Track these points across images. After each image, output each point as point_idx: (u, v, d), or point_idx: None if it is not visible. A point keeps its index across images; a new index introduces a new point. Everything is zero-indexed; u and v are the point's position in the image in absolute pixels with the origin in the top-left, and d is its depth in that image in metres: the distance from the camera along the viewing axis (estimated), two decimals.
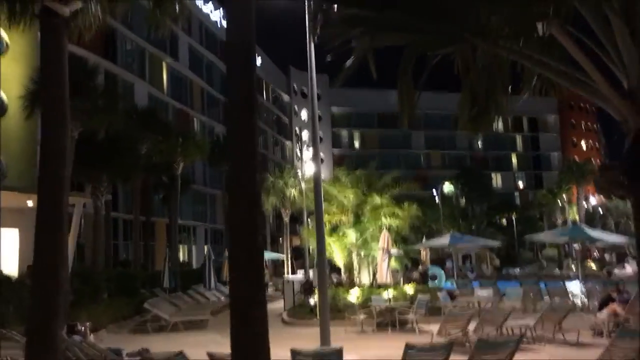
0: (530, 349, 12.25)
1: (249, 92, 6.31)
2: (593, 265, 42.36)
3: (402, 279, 23.31)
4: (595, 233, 22.85)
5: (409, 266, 39.90)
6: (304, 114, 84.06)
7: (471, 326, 12.70)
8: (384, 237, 17.61)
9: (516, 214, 71.70)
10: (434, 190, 57.99)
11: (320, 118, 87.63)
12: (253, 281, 5.97)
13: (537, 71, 5.40)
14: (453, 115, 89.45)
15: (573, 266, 43.64)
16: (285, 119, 77.82)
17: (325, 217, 21.08)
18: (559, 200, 60.16)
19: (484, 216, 68.80)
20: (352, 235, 20.00)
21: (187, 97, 49.10)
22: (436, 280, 27.16)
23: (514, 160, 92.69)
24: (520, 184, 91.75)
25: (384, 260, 17.42)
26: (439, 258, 49.38)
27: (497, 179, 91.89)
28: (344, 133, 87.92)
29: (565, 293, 18.78)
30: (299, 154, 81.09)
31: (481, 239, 34.13)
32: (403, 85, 5.51)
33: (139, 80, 40.97)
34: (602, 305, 14.24)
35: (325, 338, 12.48)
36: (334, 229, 20.70)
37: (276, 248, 51.96)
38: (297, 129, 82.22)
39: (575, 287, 18.82)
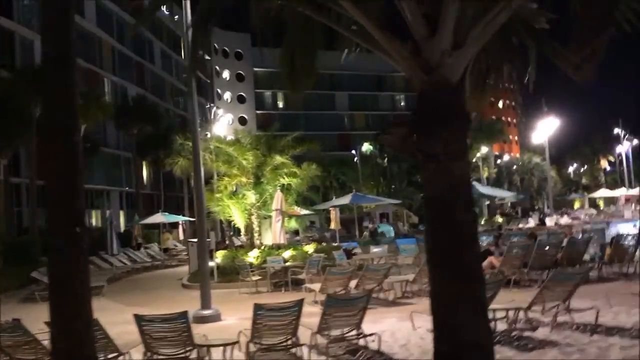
0: (409, 303, 12.63)
1: (65, 47, 5.90)
2: (500, 219, 44.33)
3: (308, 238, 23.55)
4: (485, 189, 23.76)
5: (314, 226, 40.58)
6: (226, 74, 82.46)
7: (353, 283, 12.96)
8: (278, 198, 17.59)
9: None
10: (353, 150, 58.60)
11: (242, 78, 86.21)
12: (71, 246, 5.71)
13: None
14: (376, 77, 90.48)
15: (482, 221, 45.57)
16: (205, 79, 75.86)
17: (226, 180, 20.89)
18: (474, 158, 62.17)
19: (405, 175, 70.28)
20: (251, 196, 19.88)
21: (95, 56, 46.84)
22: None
23: None
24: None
25: (277, 221, 17.44)
26: (358, 217, 50.36)
27: None
28: (268, 94, 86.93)
29: None
30: (221, 114, 79.87)
31: (383, 198, 34.96)
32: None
33: (39, 38, 38.60)
34: (482, 259, 14.84)
35: (205, 301, 12.42)
36: (235, 191, 20.51)
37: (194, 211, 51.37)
38: (218, 90, 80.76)
39: None
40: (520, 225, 40.51)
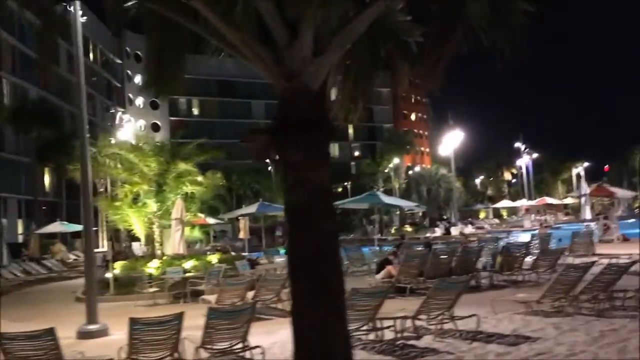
0: None
1: None
2: (409, 229, 45.52)
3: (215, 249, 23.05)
4: (389, 199, 24.29)
5: (226, 235, 40.01)
6: (138, 79, 80.00)
7: (251, 294, 12.72)
8: (178, 207, 17.09)
9: (351, 182, 74.88)
10: (267, 160, 58.29)
11: None
12: None
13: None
14: None
15: (393, 230, 46.63)
16: (116, 83, 73.35)
17: (126, 187, 20.10)
18: (387, 169, 63.59)
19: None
20: (152, 205, 19.22)
21: None
22: None
23: (350, 130, 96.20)
24: (357, 154, 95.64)
25: (177, 230, 16.93)
26: (270, 226, 50.11)
27: (334, 149, 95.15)
28: (182, 101, 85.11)
29: (362, 257, 19.78)
30: (133, 120, 77.29)
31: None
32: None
33: None
34: (380, 267, 15.05)
35: (92, 315, 11.78)
36: (135, 199, 19.77)
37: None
38: (130, 94, 78.22)
39: (371, 252, 19.89)
40: (428, 235, 41.79)
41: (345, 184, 78.81)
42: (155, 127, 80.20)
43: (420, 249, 18.51)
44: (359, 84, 6.06)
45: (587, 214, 25.36)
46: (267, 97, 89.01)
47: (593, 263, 11.27)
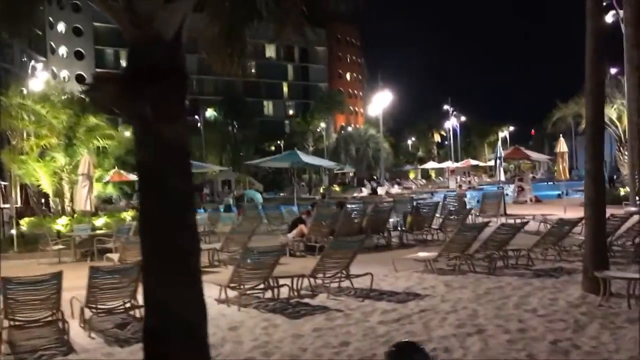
0: (214, 271, 12.38)
1: None
2: (337, 188, 45.95)
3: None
4: (308, 158, 24.32)
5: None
6: (61, 27, 75.93)
7: None
8: (85, 162, 16.39)
9: (284, 141, 74.47)
10: (196, 116, 56.95)
11: (80, 32, 79.91)
12: None
13: None
14: None
15: (321, 189, 46.90)
16: (37, 31, 69.11)
17: (33, 140, 19.14)
18: (318, 128, 63.49)
19: (252, 143, 70.13)
20: (61, 159, 18.40)
21: None
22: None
23: (285, 89, 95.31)
24: (291, 112, 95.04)
25: (84, 186, 16.28)
26: (199, 184, 49.38)
27: (269, 107, 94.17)
28: (110, 51, 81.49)
29: (280, 216, 19.77)
30: (55, 70, 73.54)
31: (209, 164, 34.52)
32: None
33: None
34: (293, 226, 15.04)
35: None
36: (43, 153, 18.86)
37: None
38: (52, 43, 74.13)
39: (286, 211, 19.90)
40: (355, 194, 42.32)
41: (279, 142, 78.48)
42: (80, 79, 76.62)
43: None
44: (231, 36, 5.81)
45: (502, 176, 26.17)
46: (201, 51, 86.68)
47: (487, 223, 11.61)
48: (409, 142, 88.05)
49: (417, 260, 11.06)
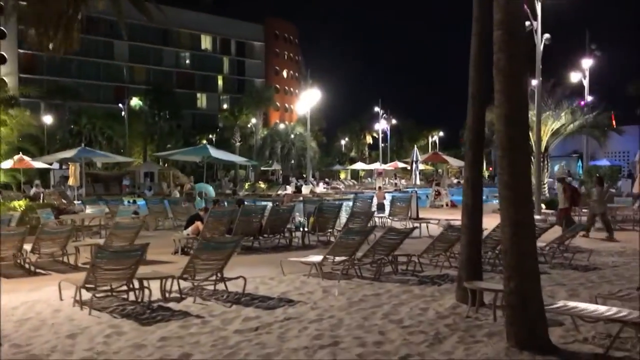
0: None
1: None
2: (262, 185, 45.33)
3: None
4: (219, 153, 23.67)
5: (63, 181, 37.34)
6: None
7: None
8: None
9: (217, 135, 73.00)
10: (120, 104, 54.85)
11: (1, 10, 76.09)
12: None
13: None
14: (162, 30, 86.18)
15: (246, 186, 46.18)
16: None
17: None
18: (250, 124, 62.57)
19: (181, 135, 68.43)
20: None
21: None
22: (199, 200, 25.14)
23: (220, 82, 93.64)
24: (225, 106, 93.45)
25: None
26: (119, 175, 47.61)
27: (202, 100, 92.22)
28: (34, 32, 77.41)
29: (165, 211, 19.19)
30: None
31: (116, 155, 33.27)
32: None
33: None
34: (189, 223, 14.38)
35: None
36: None
37: None
38: None
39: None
40: (279, 192, 41.84)
41: (210, 136, 76.93)
42: (0, 59, 72.45)
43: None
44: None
45: (417, 179, 26.37)
46: (133, 38, 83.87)
47: (373, 228, 11.38)
48: (342, 142, 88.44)
49: (305, 263, 10.65)
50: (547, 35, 21.24)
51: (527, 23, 21.26)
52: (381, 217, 19.25)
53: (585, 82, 31.18)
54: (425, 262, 11.15)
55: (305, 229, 15.12)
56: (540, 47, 21.12)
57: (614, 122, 54.50)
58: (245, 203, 16.69)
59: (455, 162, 34.68)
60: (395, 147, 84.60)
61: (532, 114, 22.91)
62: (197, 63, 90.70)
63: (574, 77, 31.67)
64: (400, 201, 19.42)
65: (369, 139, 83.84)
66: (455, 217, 20.05)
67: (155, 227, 18.66)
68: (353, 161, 77.63)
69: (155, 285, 8.49)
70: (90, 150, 27.19)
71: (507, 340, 6.05)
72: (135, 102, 58.14)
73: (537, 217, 20.82)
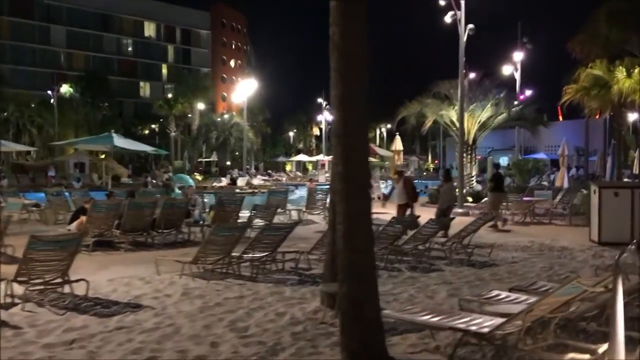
0: None
1: None
2: (199, 177, 44.05)
3: None
4: (125, 143, 22.52)
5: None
6: None
7: None
8: None
9: (159, 125, 70.86)
10: (49, 91, 52.39)
11: None
12: None
13: None
14: (102, 15, 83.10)
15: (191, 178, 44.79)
16: None
17: None
18: (190, 114, 60.91)
19: (121, 124, 66.22)
20: None
21: None
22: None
23: (165, 70, 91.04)
24: (169, 96, 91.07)
25: None
26: (44, 164, 45.45)
27: (146, 88, 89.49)
28: None
29: (66, 203, 17.99)
30: None
31: (10, 142, 31.68)
32: None
33: None
34: (74, 217, 13.30)
35: None
36: None
37: None
38: None
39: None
40: (215, 184, 40.70)
41: (152, 125, 74.78)
42: None
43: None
44: None
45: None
46: (70, 23, 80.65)
47: (249, 224, 10.59)
48: (291, 134, 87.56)
49: (179, 262, 9.75)
50: (470, 26, 20.86)
51: (451, 13, 20.86)
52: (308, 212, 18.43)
53: (517, 75, 31.19)
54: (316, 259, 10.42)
55: (205, 224, 14.19)
56: (463, 38, 20.72)
57: (560, 116, 55.47)
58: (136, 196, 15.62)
59: (385, 153, 34.25)
60: None
61: (457, 108, 22.68)
62: (141, 51, 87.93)
63: (506, 70, 31.64)
64: (320, 193, 18.68)
65: (316, 131, 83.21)
66: (381, 211, 19.58)
67: (54, 221, 17.38)
68: (299, 153, 76.91)
69: None
70: None
71: (341, 352, 5.33)
72: (65, 89, 55.65)
73: (459, 210, 20.55)
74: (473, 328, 5.07)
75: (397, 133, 25.00)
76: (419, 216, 13.01)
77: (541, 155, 47.27)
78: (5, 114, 52.10)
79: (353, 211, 5.27)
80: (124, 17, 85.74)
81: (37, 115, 50.88)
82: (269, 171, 57.11)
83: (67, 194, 18.76)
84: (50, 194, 18.40)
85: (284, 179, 52.24)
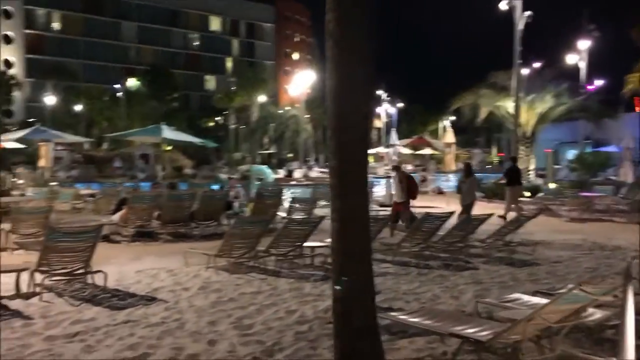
0: None
1: None
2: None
3: None
4: (174, 134, 22.85)
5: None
6: None
7: None
8: None
9: (223, 117, 72.09)
10: (117, 85, 54.17)
11: None
12: None
13: None
14: (170, 11, 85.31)
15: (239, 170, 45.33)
16: None
17: None
18: (252, 105, 61.56)
19: (184, 118, 67.85)
20: None
21: None
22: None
23: (229, 64, 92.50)
24: (234, 89, 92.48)
25: None
26: (111, 156, 47.15)
27: (211, 82, 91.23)
28: (41, 12, 77.21)
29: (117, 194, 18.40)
30: None
31: (71, 135, 32.47)
32: None
33: None
34: (118, 208, 13.59)
35: None
36: None
37: None
38: None
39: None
40: (273, 176, 40.94)
41: (217, 118, 76.13)
42: (6, 39, 72.47)
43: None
44: None
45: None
46: (140, 18, 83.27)
47: (273, 216, 10.41)
48: None
49: (206, 254, 9.73)
50: (528, 13, 19.89)
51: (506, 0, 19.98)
52: None
53: (582, 65, 29.59)
54: None
55: (246, 215, 14.17)
56: (519, 26, 19.79)
57: (637, 107, 52.43)
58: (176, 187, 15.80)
59: (438, 144, 33.35)
60: (407, 132, 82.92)
61: (514, 99, 21.72)
62: (206, 45, 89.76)
63: (570, 59, 30.09)
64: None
65: (379, 123, 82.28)
66: (437, 205, 19.10)
67: (108, 211, 17.86)
68: None
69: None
70: (44, 129, 26.36)
71: (334, 356, 5.07)
72: (132, 83, 57.46)
73: (512, 205, 19.72)
74: (472, 335, 4.70)
75: (450, 125, 24.19)
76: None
77: (612, 149, 44.87)
78: (77, 107, 54.37)
79: (346, 209, 4.99)
80: (190, 12, 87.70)
81: (107, 109, 52.79)
82: (327, 163, 56.87)
83: (126, 184, 19.22)
84: (105, 185, 18.93)
85: None
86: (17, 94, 62.27)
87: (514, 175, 17.10)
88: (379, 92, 58.31)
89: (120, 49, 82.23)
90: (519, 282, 8.80)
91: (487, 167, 64.98)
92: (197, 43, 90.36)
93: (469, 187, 14.71)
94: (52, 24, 78.57)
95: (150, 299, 7.50)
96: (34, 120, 55.74)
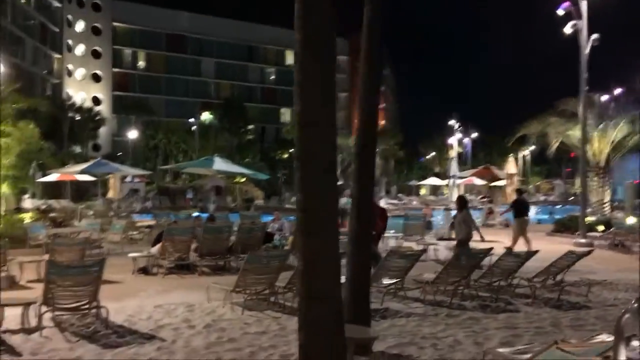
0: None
1: None
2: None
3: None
4: (226, 166, 22.88)
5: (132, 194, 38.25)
6: (80, 26, 76.45)
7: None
8: None
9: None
10: (191, 119, 55.97)
11: (99, 32, 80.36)
12: None
13: None
14: (247, 47, 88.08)
15: None
16: (53, 28, 69.74)
17: None
18: None
19: (259, 149, 69.13)
20: None
21: None
22: None
23: None
24: None
25: None
26: (185, 188, 48.44)
27: (286, 115, 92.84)
28: (127, 52, 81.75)
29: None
30: (70, 68, 74.08)
31: (129, 168, 33.23)
32: None
33: None
34: (157, 240, 13.58)
35: None
36: None
37: None
38: (69, 41, 74.69)
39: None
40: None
41: (292, 150, 77.08)
42: (96, 78, 77.08)
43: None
44: None
45: (454, 197, 24.09)
46: (219, 55, 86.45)
47: (290, 251, 9.90)
48: (429, 157, 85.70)
49: (225, 290, 9.38)
50: (595, 36, 18.66)
51: (572, 23, 18.86)
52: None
53: None
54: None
55: (285, 248, 13.82)
56: (586, 50, 18.58)
57: None
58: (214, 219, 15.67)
59: (501, 173, 31.79)
60: (483, 162, 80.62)
61: (581, 127, 20.34)
62: (282, 78, 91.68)
63: None
64: (413, 220, 17.56)
65: (452, 153, 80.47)
66: (499, 239, 17.91)
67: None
68: (438, 176, 74.85)
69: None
70: (105, 162, 27.29)
71: None
72: (205, 116, 59.22)
73: (581, 240, 18.29)
74: None
75: (511, 155, 22.94)
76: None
77: None
78: (155, 140, 56.59)
79: (311, 249, 4.48)
80: (268, 47, 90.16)
81: (182, 142, 54.59)
82: (399, 195, 56.01)
83: (180, 215, 19.41)
84: (159, 216, 19.18)
85: (414, 202, 50.91)
86: (103, 129, 65.86)
87: (519, 208, 16.41)
88: (451, 122, 56.97)
89: (199, 85, 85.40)
90: (558, 328, 7.86)
91: (569, 199, 61.67)
92: (273, 77, 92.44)
93: (461, 221, 13.29)
94: (138, 62, 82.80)
95: (148, 337, 7.21)
96: (119, 154, 58.70)
